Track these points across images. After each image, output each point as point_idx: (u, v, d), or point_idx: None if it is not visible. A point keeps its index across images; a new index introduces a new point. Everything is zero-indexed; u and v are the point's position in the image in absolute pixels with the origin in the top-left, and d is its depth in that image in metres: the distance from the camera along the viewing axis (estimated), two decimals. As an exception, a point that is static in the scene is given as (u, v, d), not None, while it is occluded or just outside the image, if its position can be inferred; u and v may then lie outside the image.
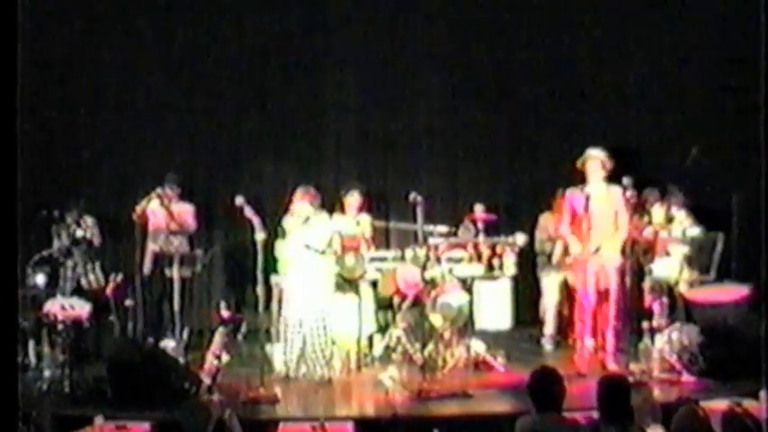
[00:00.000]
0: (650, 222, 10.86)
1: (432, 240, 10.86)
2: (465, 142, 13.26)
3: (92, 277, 11.37)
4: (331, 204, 11.18)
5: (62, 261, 11.21)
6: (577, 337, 10.36)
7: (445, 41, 13.13)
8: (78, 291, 11.07)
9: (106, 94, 12.79)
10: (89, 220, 11.35)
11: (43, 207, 11.13)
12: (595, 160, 10.11)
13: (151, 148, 12.83)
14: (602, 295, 10.06)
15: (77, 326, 10.12)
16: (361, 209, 11.53)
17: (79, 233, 11.20)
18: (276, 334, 10.25)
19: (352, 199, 11.44)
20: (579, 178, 10.23)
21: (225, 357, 9.40)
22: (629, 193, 9.91)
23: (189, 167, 12.65)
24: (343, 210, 11.43)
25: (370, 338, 11.07)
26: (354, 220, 11.37)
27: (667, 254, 10.60)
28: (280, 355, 10.07)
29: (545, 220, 11.95)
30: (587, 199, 9.99)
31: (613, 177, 10.14)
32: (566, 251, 10.75)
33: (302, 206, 10.16)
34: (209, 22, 12.87)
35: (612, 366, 9.85)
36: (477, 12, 13.01)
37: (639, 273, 10.59)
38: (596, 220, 10.01)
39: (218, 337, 9.62)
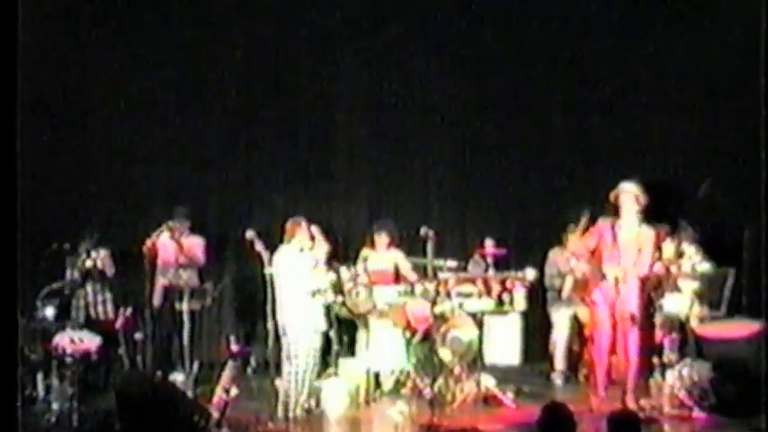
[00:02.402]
0: (660, 257, 10.81)
1: (441, 275, 10.86)
2: (475, 177, 13.23)
3: (100, 309, 11.39)
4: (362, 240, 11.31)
5: (74, 292, 11.24)
6: (591, 373, 10.33)
7: (457, 76, 13.12)
8: (89, 322, 11.08)
9: (117, 127, 12.79)
10: (102, 252, 11.36)
11: (54, 241, 11.16)
12: (628, 194, 10.04)
13: (161, 181, 12.82)
14: (618, 331, 9.97)
15: (86, 359, 10.15)
16: (390, 246, 11.60)
17: (89, 263, 11.21)
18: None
19: (382, 239, 11.52)
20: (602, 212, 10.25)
21: (234, 391, 9.38)
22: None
23: (199, 201, 12.63)
24: (373, 246, 11.53)
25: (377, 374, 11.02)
26: (385, 255, 11.43)
27: (678, 289, 10.55)
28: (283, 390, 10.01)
29: (555, 255, 11.95)
30: (616, 232, 9.96)
31: (650, 216, 10.12)
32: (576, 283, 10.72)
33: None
34: (222, 57, 12.89)
35: (632, 405, 9.75)
36: (489, 45, 13.02)
37: (650, 308, 10.54)
38: (621, 256, 9.97)
39: (227, 371, 9.60)
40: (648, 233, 10.01)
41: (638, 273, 9.94)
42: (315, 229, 10.13)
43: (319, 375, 10.21)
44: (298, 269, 9.92)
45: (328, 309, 10.39)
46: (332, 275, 10.41)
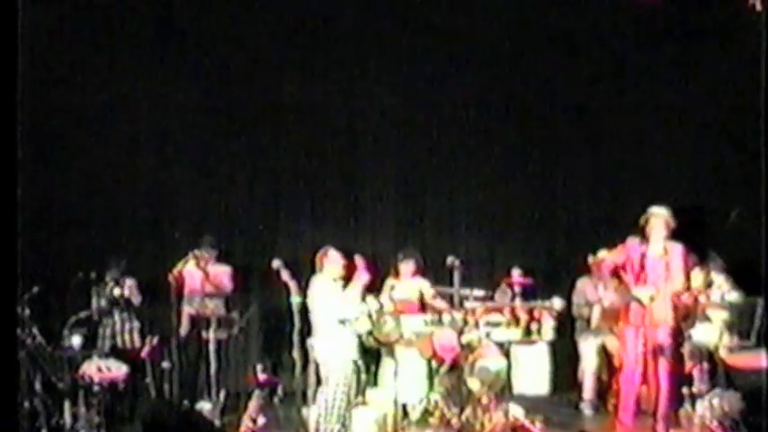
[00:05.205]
0: (689, 287, 10.74)
1: (468, 304, 10.81)
2: (502, 206, 13.23)
3: (127, 337, 11.41)
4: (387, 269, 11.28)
5: (101, 321, 11.26)
6: (620, 403, 10.26)
7: (483, 105, 13.14)
8: (116, 351, 11.09)
9: (143, 155, 12.86)
10: (128, 281, 11.40)
11: (80, 270, 11.20)
12: (658, 218, 10.00)
13: (187, 210, 12.86)
14: (648, 360, 9.89)
15: (113, 388, 10.16)
16: (415, 274, 11.57)
17: (117, 292, 11.24)
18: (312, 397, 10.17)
19: (407, 267, 11.50)
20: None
21: (261, 420, 9.37)
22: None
23: (226, 229, 12.67)
24: (397, 275, 11.51)
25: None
26: (410, 284, 11.40)
27: (707, 319, 10.49)
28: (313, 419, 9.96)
29: (583, 284, 11.90)
30: (644, 252, 9.90)
31: (677, 236, 10.06)
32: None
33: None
34: (249, 84, 12.93)
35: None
36: (514, 76, 13.04)
37: (679, 338, 10.47)
38: (651, 275, 9.91)
39: (254, 400, 9.60)
40: (676, 247, 9.96)
41: (671, 290, 9.87)
42: (358, 260, 10.09)
43: (348, 404, 10.15)
44: (328, 298, 9.89)
45: (360, 337, 10.37)
46: (364, 306, 10.36)
